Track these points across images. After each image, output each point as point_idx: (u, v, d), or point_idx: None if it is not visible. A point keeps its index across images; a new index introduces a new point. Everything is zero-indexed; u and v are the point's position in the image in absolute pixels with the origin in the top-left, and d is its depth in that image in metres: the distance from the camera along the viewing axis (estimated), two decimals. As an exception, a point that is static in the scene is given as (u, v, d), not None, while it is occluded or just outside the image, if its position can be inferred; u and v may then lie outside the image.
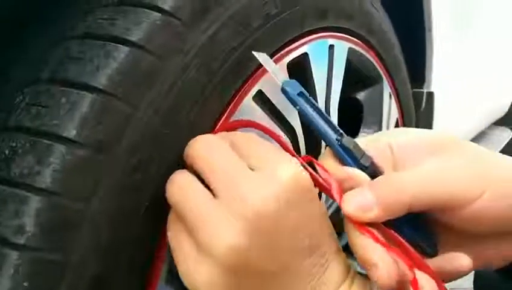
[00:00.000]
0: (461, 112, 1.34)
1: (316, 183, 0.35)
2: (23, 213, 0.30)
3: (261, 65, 0.44)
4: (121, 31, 0.35)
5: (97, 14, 0.37)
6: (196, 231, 0.31)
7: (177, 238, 0.33)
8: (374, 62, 0.66)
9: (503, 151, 1.95)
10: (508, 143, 1.91)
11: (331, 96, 0.56)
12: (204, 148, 0.34)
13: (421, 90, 0.90)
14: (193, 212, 0.32)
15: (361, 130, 0.71)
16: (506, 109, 1.95)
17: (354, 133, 0.70)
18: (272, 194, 0.31)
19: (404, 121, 0.77)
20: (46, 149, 0.31)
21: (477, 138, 1.75)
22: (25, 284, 0.29)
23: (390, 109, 0.72)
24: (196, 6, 0.38)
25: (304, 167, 0.35)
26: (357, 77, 0.66)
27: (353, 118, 0.70)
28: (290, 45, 0.48)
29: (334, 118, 0.57)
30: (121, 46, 0.34)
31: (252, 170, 0.33)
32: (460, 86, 1.17)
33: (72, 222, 0.31)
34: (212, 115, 0.39)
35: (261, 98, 0.45)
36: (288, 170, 0.33)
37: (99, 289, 0.32)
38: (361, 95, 0.69)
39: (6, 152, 0.32)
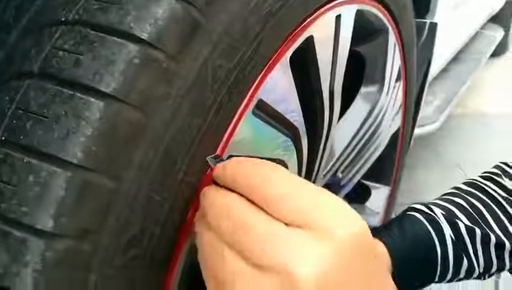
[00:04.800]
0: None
1: None
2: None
3: (261, 70, 0.37)
4: (89, 77, 0.27)
5: (56, 41, 0.29)
6: None
7: None
8: (380, 14, 0.58)
9: (495, 51, 1.90)
10: (500, 42, 1.85)
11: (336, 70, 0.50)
12: (220, 205, 0.29)
13: (424, 20, 0.82)
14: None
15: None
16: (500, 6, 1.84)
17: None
18: (330, 262, 0.25)
19: (405, 66, 0.71)
20: (20, 244, 0.26)
21: (473, 39, 1.68)
22: None
23: (393, 59, 0.65)
24: (184, 28, 0.29)
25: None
26: (361, 31, 0.58)
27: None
28: (295, 31, 0.40)
29: (337, 93, 0.51)
30: (93, 100, 0.27)
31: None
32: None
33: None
34: (210, 153, 0.33)
35: (261, 107, 0.39)
36: (347, 228, 0.26)
37: None
38: (363, 48, 0.62)
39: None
